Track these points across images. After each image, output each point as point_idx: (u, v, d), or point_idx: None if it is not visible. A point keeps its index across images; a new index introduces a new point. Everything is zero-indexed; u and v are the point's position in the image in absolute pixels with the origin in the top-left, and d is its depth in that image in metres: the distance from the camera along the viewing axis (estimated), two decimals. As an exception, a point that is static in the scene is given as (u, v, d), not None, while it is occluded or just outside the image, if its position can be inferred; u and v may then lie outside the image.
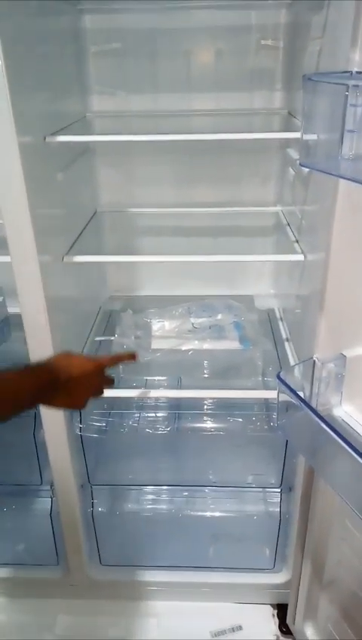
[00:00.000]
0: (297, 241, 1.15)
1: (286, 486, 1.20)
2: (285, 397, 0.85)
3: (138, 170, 1.40)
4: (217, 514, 1.29)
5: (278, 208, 1.39)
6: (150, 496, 1.28)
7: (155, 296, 1.49)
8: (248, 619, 1.32)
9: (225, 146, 1.32)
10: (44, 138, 0.97)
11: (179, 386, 1.26)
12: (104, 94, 1.32)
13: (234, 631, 1.30)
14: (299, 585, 1.20)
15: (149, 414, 1.17)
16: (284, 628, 1.31)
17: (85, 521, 1.27)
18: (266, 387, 1.25)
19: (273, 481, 1.23)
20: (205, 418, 1.15)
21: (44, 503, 1.27)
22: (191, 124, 1.36)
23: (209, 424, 1.14)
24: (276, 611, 1.35)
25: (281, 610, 1.34)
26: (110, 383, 0.90)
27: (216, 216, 1.42)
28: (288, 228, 1.25)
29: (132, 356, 0.92)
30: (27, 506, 1.30)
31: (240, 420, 1.16)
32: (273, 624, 1.32)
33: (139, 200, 1.41)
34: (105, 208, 1.42)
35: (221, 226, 1.43)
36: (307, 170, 1.07)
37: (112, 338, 1.24)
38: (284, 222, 1.30)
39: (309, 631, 1.20)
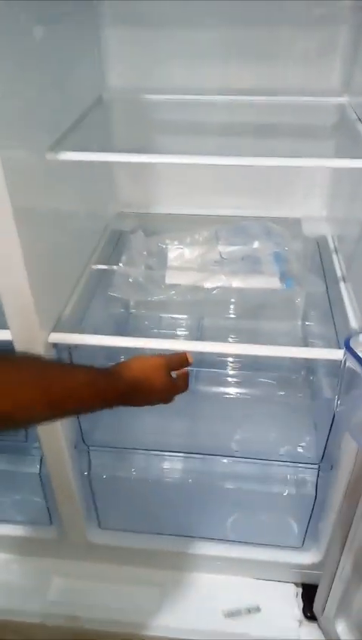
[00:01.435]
0: (374, 143, 0.82)
1: (326, 463, 0.96)
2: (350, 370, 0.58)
3: (159, 43, 1.04)
4: (239, 485, 1.07)
5: (345, 99, 1.04)
6: (159, 462, 1.06)
7: (175, 215, 1.19)
8: (268, 599, 1.14)
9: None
10: None
11: (200, 331, 1.00)
12: None
13: (250, 612, 1.12)
14: (336, 574, 0.99)
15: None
16: (309, 612, 1.13)
17: (81, 484, 1.07)
18: (306, 333, 0.99)
19: (310, 456, 0.99)
20: (229, 379, 0.90)
21: (33, 462, 1.07)
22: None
23: (233, 388, 0.88)
24: (300, 590, 1.16)
25: (306, 591, 1.15)
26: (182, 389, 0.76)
27: (259, 109, 1.07)
28: (359, 124, 0.91)
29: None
30: (14, 464, 1.11)
31: (273, 382, 0.90)
32: (296, 607, 1.13)
33: (159, 84, 1.07)
34: (113, 94, 1.08)
35: (264, 123, 1.09)
36: None
37: (115, 267, 0.96)
38: (354, 117, 0.96)
39: (341, 627, 1.01)
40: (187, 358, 0.76)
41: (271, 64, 1.05)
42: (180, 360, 0.75)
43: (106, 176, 1.17)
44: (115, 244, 1.13)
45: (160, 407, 0.75)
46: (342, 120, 1.04)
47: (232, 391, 0.94)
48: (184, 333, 1.03)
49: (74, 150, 0.80)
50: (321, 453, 0.95)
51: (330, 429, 0.89)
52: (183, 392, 0.77)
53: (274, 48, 1.03)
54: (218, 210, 1.15)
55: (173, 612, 1.12)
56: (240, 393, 0.92)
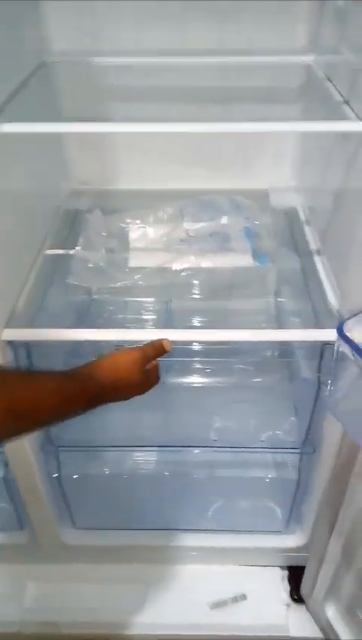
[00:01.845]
0: (347, 102, 0.76)
1: (309, 446, 0.92)
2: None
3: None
4: (219, 473, 1.02)
5: (311, 58, 0.96)
6: (133, 458, 1.00)
7: (135, 191, 1.10)
8: (253, 585, 1.11)
9: None
10: None
11: (168, 314, 0.93)
12: None
13: (236, 601, 1.09)
14: (324, 558, 0.95)
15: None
16: (296, 595, 1.10)
17: (50, 486, 0.99)
18: (281, 311, 0.93)
19: (292, 440, 0.94)
20: (200, 367, 0.83)
21: (-5, 466, 0.99)
22: None
23: (205, 378, 0.82)
24: (286, 574, 1.14)
25: (292, 573, 1.12)
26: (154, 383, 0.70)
27: (220, 71, 0.99)
28: (329, 84, 0.84)
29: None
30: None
31: (248, 367, 0.84)
32: (283, 591, 1.11)
33: (110, 46, 0.97)
34: (58, 58, 0.97)
35: (226, 87, 1.01)
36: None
37: (71, 252, 0.88)
38: (321, 76, 0.88)
39: (331, 611, 0.99)
40: (163, 347, 0.69)
41: (231, 22, 0.96)
42: (156, 350, 0.69)
43: (56, 151, 1.07)
44: (71, 226, 1.03)
45: (131, 401, 0.69)
46: (309, 80, 0.97)
47: (205, 380, 0.87)
48: (152, 317, 0.95)
49: (14, 121, 0.70)
50: (303, 437, 0.91)
51: (312, 412, 0.84)
52: (155, 384, 0.71)
53: (234, 5, 0.94)
54: (181, 184, 1.07)
55: (157, 608, 1.08)
56: (213, 381, 0.86)
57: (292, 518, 1.07)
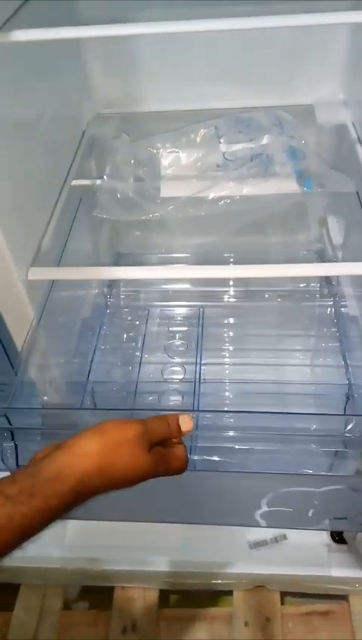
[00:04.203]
0: None
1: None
2: None
3: None
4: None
5: None
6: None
7: (165, 113, 0.99)
8: (293, 526, 1.09)
9: None
10: None
11: (202, 248, 0.86)
12: None
13: (277, 541, 1.08)
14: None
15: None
16: (337, 536, 1.08)
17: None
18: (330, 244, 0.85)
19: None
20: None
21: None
22: None
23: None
24: (327, 514, 1.11)
25: (334, 514, 1.10)
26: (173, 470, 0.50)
27: None
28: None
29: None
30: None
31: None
32: (324, 532, 1.09)
33: None
34: None
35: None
36: None
37: (98, 181, 0.80)
38: None
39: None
40: (178, 426, 0.50)
41: None
42: (167, 427, 0.50)
43: (77, 70, 0.96)
44: (96, 154, 0.95)
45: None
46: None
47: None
48: (186, 256, 0.88)
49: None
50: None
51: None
52: (176, 474, 0.51)
53: None
54: (215, 103, 0.96)
55: (196, 546, 1.08)
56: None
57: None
